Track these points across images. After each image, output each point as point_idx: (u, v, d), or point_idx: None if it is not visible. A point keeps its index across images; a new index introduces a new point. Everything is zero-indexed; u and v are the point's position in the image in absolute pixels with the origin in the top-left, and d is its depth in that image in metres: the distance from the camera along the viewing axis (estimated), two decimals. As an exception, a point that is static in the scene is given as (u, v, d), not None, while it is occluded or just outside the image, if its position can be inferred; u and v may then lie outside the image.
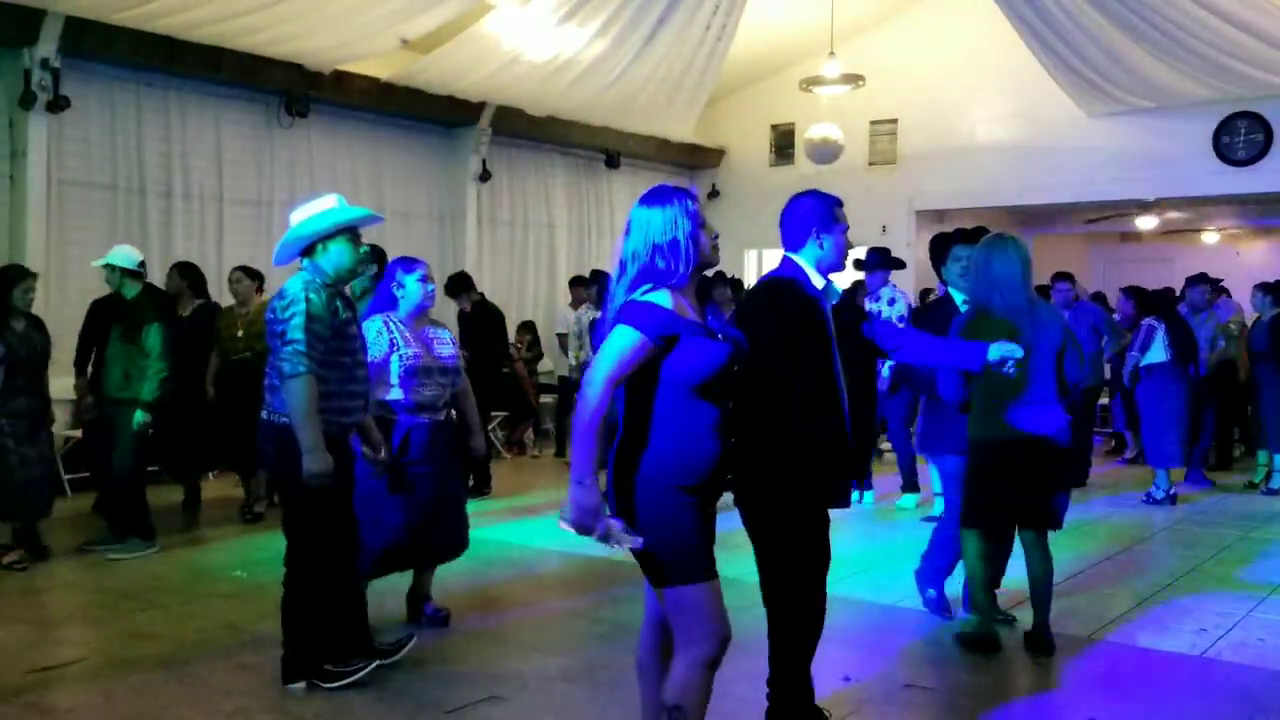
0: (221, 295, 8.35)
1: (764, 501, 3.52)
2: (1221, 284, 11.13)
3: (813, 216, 3.60)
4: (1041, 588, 4.70)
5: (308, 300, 3.99)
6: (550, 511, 7.90)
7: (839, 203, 3.68)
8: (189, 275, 7.63)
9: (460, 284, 9.11)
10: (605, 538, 2.88)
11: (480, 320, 8.96)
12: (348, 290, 4.43)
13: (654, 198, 3.03)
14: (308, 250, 4.17)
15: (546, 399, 11.81)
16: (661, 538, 2.91)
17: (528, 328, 11.54)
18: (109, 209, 9.10)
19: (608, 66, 11.11)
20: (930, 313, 5.70)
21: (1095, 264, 16.61)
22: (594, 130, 12.83)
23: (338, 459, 4.06)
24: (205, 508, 7.72)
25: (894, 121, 13.40)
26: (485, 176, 11.94)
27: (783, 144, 14.32)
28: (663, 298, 2.93)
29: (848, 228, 3.67)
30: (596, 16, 10.23)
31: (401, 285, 4.86)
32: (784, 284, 3.57)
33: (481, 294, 9.35)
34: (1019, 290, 4.50)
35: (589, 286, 10.13)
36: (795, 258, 3.63)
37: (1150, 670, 4.66)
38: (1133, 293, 9.83)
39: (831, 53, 11.12)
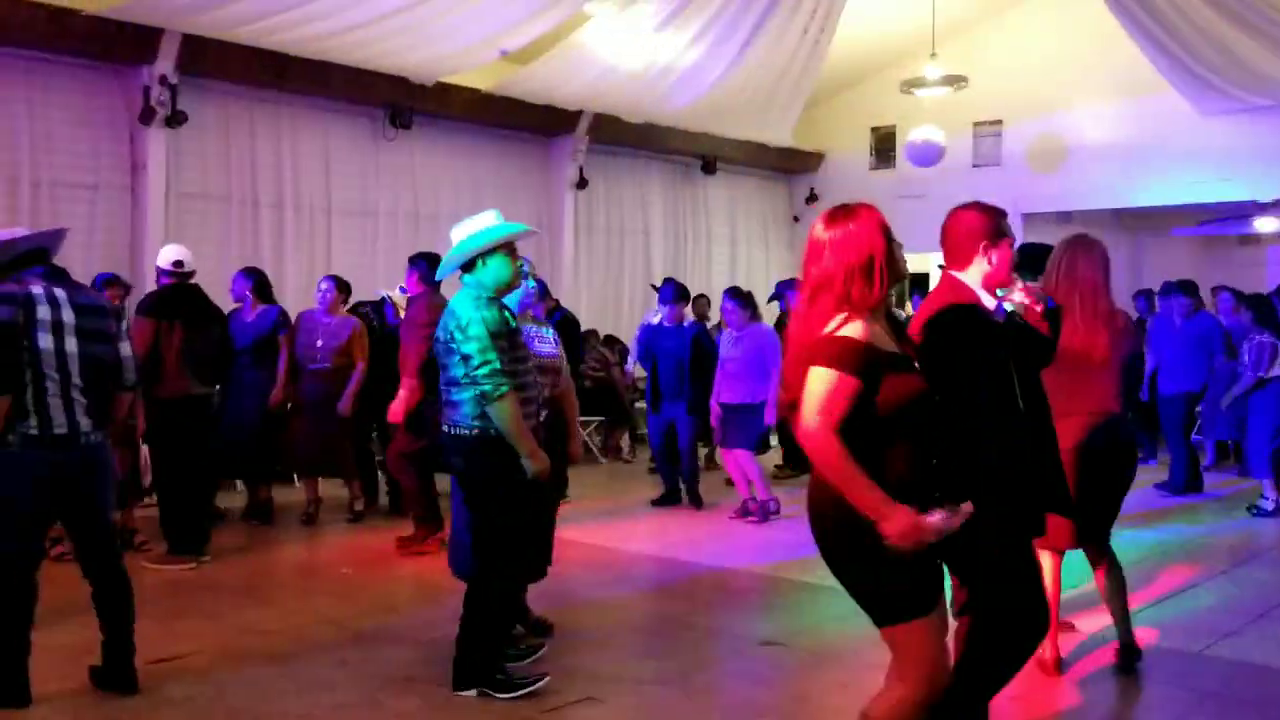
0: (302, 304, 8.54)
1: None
2: None
3: (979, 230, 3.35)
4: (1120, 597, 4.51)
5: (483, 320, 4.07)
6: (642, 511, 7.96)
7: (1004, 214, 3.44)
8: (253, 279, 7.45)
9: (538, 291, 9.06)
10: (941, 534, 2.73)
11: (557, 327, 8.80)
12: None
13: (844, 216, 2.89)
14: (468, 265, 4.24)
15: (641, 405, 11.85)
16: (872, 576, 2.81)
17: (613, 341, 11.55)
18: (223, 220, 9.45)
19: (704, 72, 11.13)
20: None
21: (1209, 268, 16.01)
22: (690, 136, 12.87)
23: (514, 467, 4.12)
24: (290, 509, 7.86)
25: (998, 122, 13.17)
26: (582, 184, 12.06)
27: (883, 147, 14.17)
28: (857, 329, 2.76)
29: (1014, 240, 3.44)
30: (692, 23, 10.26)
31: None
32: (967, 313, 3.30)
33: (557, 300, 9.26)
34: (1101, 295, 4.35)
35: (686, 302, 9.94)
36: (960, 276, 3.38)
37: (1271, 687, 4.49)
38: (1251, 302, 9.35)
39: (933, 54, 10.97)
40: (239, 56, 8.98)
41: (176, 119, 8.79)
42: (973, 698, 3.34)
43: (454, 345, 4.11)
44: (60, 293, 4.04)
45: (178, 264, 6.45)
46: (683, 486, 8.25)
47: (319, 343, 7.37)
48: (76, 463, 4.00)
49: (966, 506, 2.78)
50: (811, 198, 14.75)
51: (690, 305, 8.80)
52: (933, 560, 2.85)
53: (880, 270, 2.81)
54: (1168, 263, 13.00)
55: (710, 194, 13.92)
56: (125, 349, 4.27)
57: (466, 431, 4.13)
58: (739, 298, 7.81)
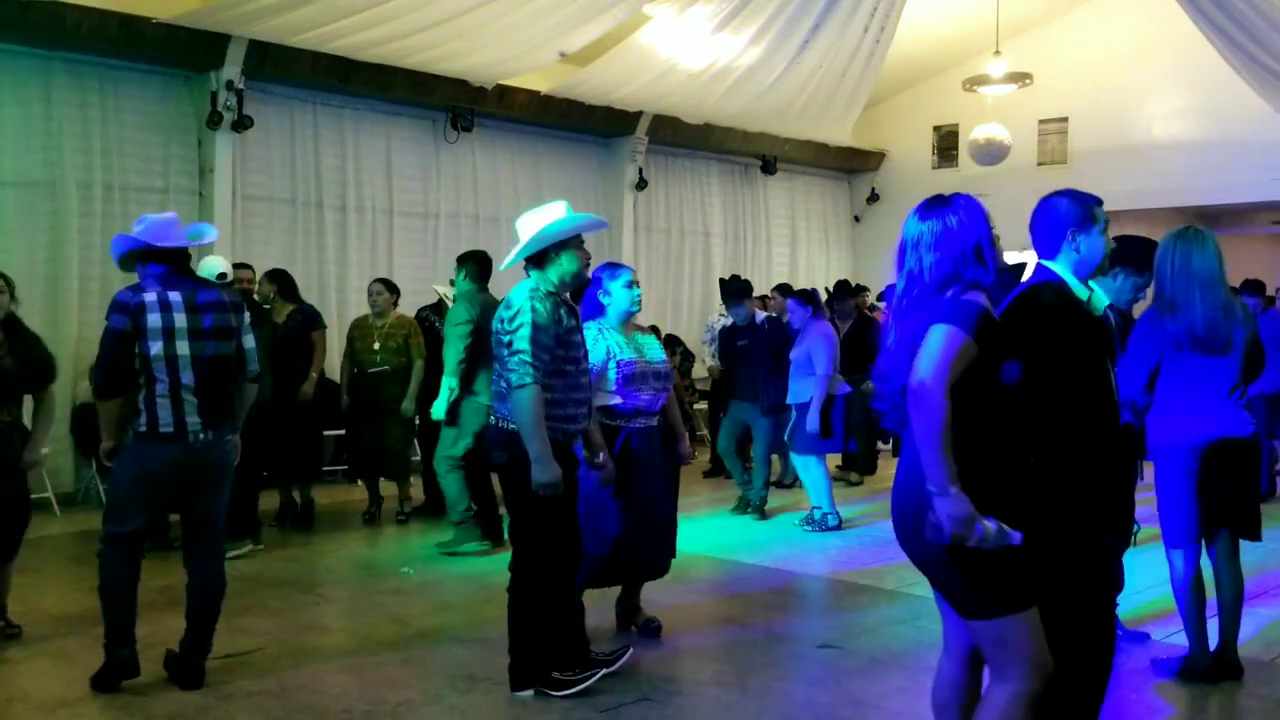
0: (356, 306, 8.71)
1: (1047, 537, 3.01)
2: None
3: (1066, 217, 3.19)
4: (1233, 603, 4.41)
5: (533, 310, 4.01)
6: (701, 510, 7.94)
7: (1097, 201, 3.26)
8: (278, 281, 7.47)
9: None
10: (983, 541, 2.66)
11: None
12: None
13: (942, 206, 2.86)
14: (535, 258, 4.18)
15: (700, 405, 11.84)
16: (976, 568, 2.72)
17: (674, 341, 11.55)
18: (289, 222, 9.61)
19: (763, 72, 11.08)
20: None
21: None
22: (750, 136, 12.83)
23: (563, 467, 4.09)
24: (335, 511, 7.97)
25: (1064, 120, 12.95)
26: (642, 185, 12.08)
27: (945, 145, 14.01)
28: (978, 296, 2.76)
29: (1107, 224, 3.25)
30: (752, 23, 10.22)
31: (608, 292, 4.85)
32: (1055, 290, 3.13)
33: None
34: (1219, 286, 4.22)
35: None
36: (1052, 266, 3.23)
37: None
38: None
39: (997, 51, 10.83)
40: (303, 62, 9.12)
41: (243, 123, 8.95)
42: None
43: (504, 337, 4.06)
44: (175, 296, 4.15)
45: (221, 276, 6.44)
46: (746, 489, 8.08)
47: (375, 345, 7.42)
48: (185, 460, 4.15)
49: (1016, 537, 2.68)
50: (873, 198, 14.62)
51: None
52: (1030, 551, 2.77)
53: (988, 253, 2.81)
54: (1241, 261, 12.67)
55: (770, 194, 13.85)
56: (249, 341, 4.36)
57: (513, 425, 4.07)
58: (798, 295, 7.81)
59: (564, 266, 4.16)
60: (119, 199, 8.62)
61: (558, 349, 4.09)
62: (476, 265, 6.75)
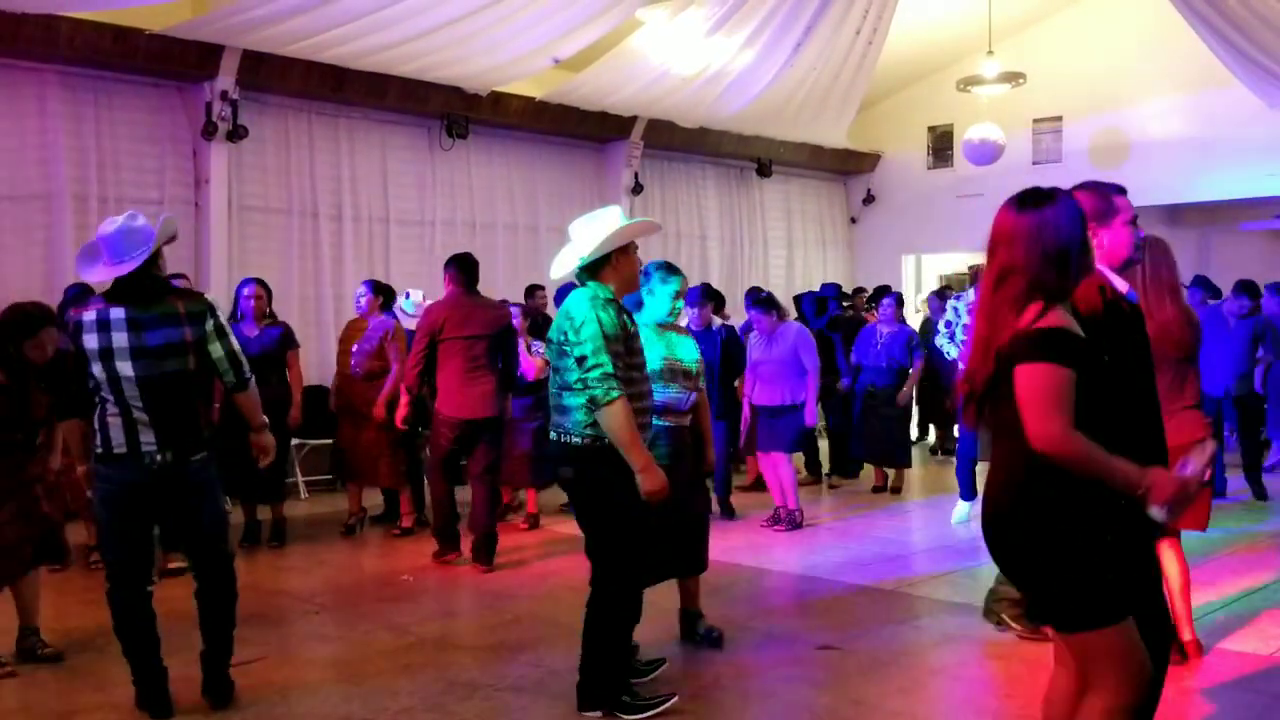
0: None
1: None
2: None
3: (1086, 212, 3.03)
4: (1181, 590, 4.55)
5: (599, 320, 3.89)
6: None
7: (1119, 190, 3.19)
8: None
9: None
10: (1200, 477, 2.60)
11: None
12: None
13: (1040, 201, 2.70)
14: (590, 265, 4.07)
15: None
16: (1094, 577, 2.60)
17: None
18: (285, 232, 9.62)
19: (757, 75, 11.10)
20: None
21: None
22: (745, 140, 12.85)
23: (628, 476, 3.94)
24: (334, 518, 7.95)
25: (1058, 119, 12.98)
26: (638, 189, 12.09)
27: (940, 146, 14.04)
28: (1059, 318, 2.62)
29: (1134, 216, 3.17)
30: (744, 26, 10.24)
31: (653, 291, 4.81)
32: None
33: None
34: (1180, 294, 4.35)
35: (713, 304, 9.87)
36: None
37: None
38: None
39: (990, 51, 10.84)
40: (297, 71, 9.13)
41: (238, 133, 8.96)
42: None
43: (568, 347, 3.93)
44: (117, 313, 3.87)
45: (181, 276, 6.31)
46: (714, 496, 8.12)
47: (354, 348, 7.37)
48: (144, 481, 3.92)
49: (1210, 446, 2.64)
50: (869, 199, 14.64)
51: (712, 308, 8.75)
52: (1148, 553, 2.68)
53: (1076, 261, 2.66)
54: (1237, 258, 12.68)
55: (766, 197, 13.87)
56: (217, 350, 4.01)
57: (578, 439, 3.95)
58: (760, 304, 7.81)
59: (621, 272, 4.09)
60: (115, 211, 8.55)
61: (625, 355, 3.99)
62: (460, 268, 6.68)
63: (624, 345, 3.97)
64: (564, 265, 4.16)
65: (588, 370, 3.86)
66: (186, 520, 4.07)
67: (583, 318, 3.90)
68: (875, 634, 5.15)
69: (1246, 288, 8.81)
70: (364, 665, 4.71)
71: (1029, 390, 2.56)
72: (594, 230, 4.07)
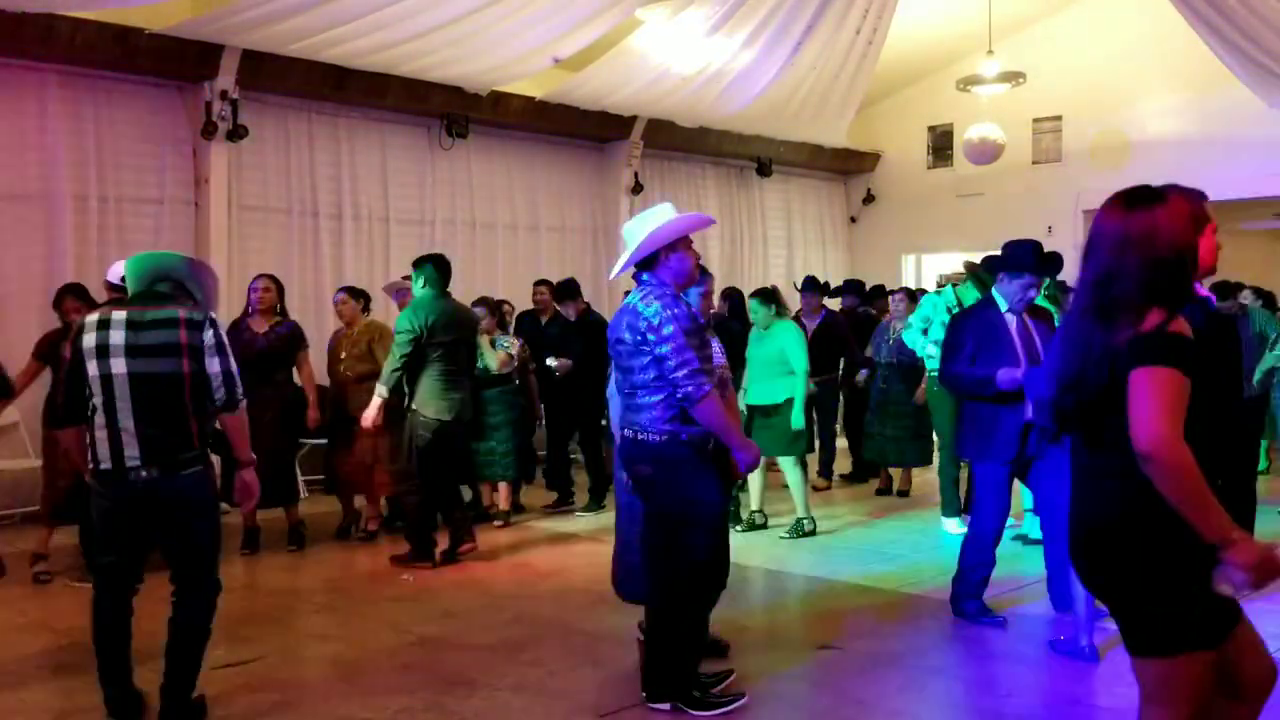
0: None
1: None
2: None
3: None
4: None
5: (674, 317, 3.91)
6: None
7: (1200, 195, 3.02)
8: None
9: (567, 291, 8.72)
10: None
11: (584, 329, 8.55)
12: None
13: (1149, 202, 2.54)
14: (646, 262, 4.09)
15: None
16: (1182, 600, 2.48)
17: None
18: (284, 231, 9.61)
19: (757, 75, 11.09)
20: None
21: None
22: (745, 139, 12.84)
23: (718, 465, 3.99)
24: (335, 520, 7.95)
25: (1058, 118, 12.96)
26: (638, 189, 12.09)
27: (940, 145, 14.03)
28: (1179, 324, 2.49)
29: (1212, 225, 3.05)
30: (744, 26, 10.23)
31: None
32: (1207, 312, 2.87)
33: (588, 303, 8.97)
34: None
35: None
36: None
37: None
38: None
39: (990, 51, 10.84)
40: (297, 71, 9.12)
41: (238, 133, 8.95)
42: None
43: (646, 347, 3.92)
44: (118, 315, 3.86)
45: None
46: None
47: (342, 354, 7.33)
48: (130, 497, 3.81)
49: None
50: (869, 198, 14.64)
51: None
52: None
53: (1189, 265, 2.52)
54: (1237, 258, 12.67)
55: (766, 197, 13.87)
56: (215, 365, 3.88)
57: (656, 437, 3.96)
58: (757, 295, 7.59)
59: (676, 266, 4.09)
60: (114, 211, 8.63)
61: (700, 349, 4.01)
62: (435, 269, 6.63)
63: (698, 338, 4.01)
64: (619, 266, 4.21)
65: (675, 369, 3.87)
66: (174, 536, 3.92)
67: (657, 316, 3.91)
68: (875, 634, 5.15)
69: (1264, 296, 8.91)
70: (364, 665, 4.71)
71: (1147, 393, 2.41)
72: (642, 228, 4.10)
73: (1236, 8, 9.81)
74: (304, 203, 9.74)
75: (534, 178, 11.45)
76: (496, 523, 7.72)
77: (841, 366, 9.45)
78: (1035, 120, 13.01)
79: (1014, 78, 10.96)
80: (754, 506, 7.61)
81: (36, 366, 6.30)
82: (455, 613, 5.62)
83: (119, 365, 3.79)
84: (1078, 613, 4.71)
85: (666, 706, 4.08)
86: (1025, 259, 5.10)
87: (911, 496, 8.89)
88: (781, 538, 7.30)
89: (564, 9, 9.06)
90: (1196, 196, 3.01)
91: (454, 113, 10.42)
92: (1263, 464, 9.22)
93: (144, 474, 3.77)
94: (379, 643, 5.05)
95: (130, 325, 3.83)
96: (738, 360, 7.30)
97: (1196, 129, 11.94)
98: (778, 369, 7.31)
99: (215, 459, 6.43)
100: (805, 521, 7.35)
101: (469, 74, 9.91)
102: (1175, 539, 2.45)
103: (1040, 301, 5.84)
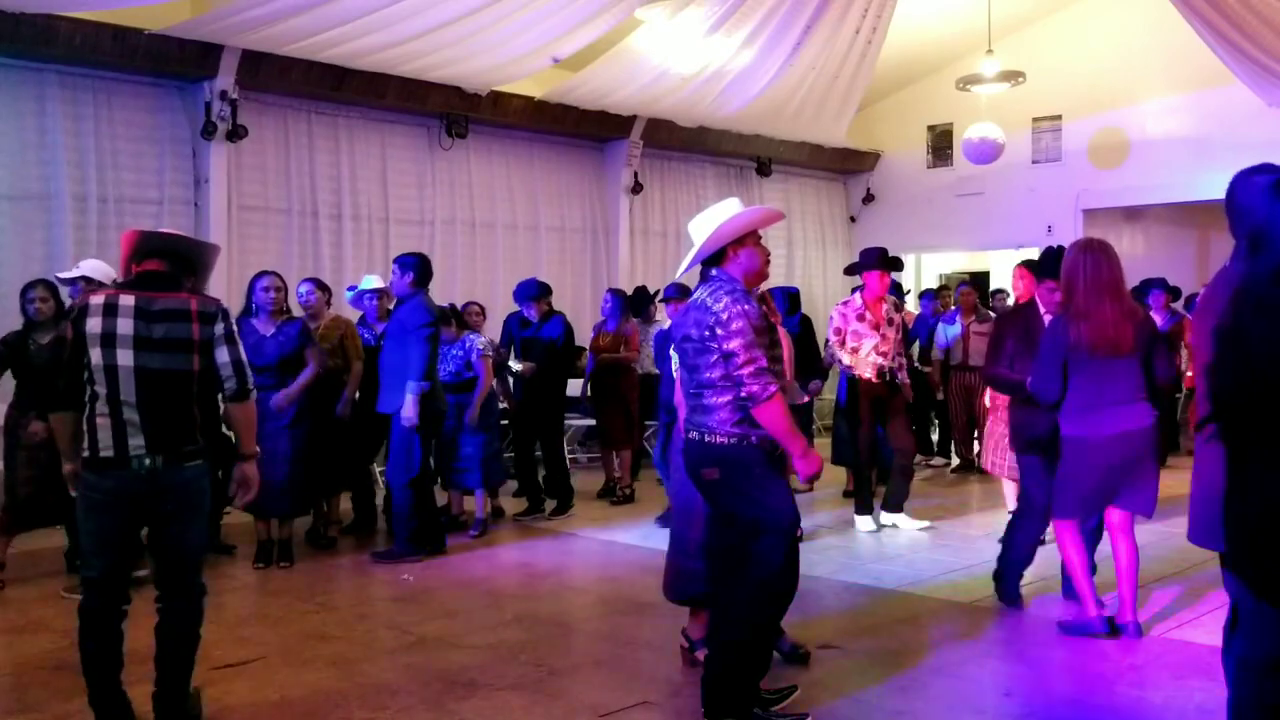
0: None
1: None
2: None
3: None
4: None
5: (745, 314, 3.77)
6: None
7: None
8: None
9: (541, 291, 8.44)
10: None
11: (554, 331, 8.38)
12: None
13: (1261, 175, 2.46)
14: (715, 258, 3.98)
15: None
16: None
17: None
18: (284, 231, 9.62)
19: (757, 74, 11.10)
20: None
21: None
22: (745, 139, 12.84)
23: (774, 476, 3.86)
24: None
25: (1058, 118, 12.96)
26: (637, 189, 12.09)
27: (940, 145, 14.03)
28: None
29: None
30: (743, 25, 10.23)
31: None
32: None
33: (550, 304, 8.57)
34: (1124, 293, 4.70)
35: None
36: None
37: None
38: None
39: (989, 50, 10.83)
40: (297, 71, 9.13)
41: (237, 133, 8.96)
42: None
43: (713, 343, 3.77)
44: (126, 300, 3.67)
45: (86, 279, 5.93)
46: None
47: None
48: (130, 489, 3.65)
49: None
50: (868, 198, 14.64)
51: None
52: None
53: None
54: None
55: (766, 196, 13.85)
56: (223, 355, 3.79)
57: (724, 439, 3.79)
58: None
59: (745, 261, 3.96)
60: (114, 211, 8.63)
61: (769, 348, 3.87)
62: (428, 266, 6.64)
63: (767, 337, 3.86)
64: (686, 262, 4.13)
65: (741, 367, 3.71)
66: (168, 532, 3.77)
67: (727, 313, 3.76)
68: (875, 634, 5.15)
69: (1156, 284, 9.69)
70: (364, 664, 4.71)
71: None
72: (709, 224, 4.01)
73: (1236, 8, 9.81)
74: (303, 203, 9.74)
75: (533, 177, 11.45)
76: (472, 532, 7.40)
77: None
78: (1035, 120, 13.01)
79: (1014, 77, 10.96)
80: None
81: None
82: (456, 613, 5.61)
83: (126, 358, 3.63)
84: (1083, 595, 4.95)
85: None
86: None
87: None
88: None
89: (564, 9, 9.06)
90: None
91: (453, 113, 10.42)
92: None
93: (148, 463, 3.63)
94: (379, 642, 5.04)
95: (139, 314, 3.67)
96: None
97: (1196, 129, 11.94)
98: None
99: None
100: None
101: (468, 74, 9.92)
102: (1252, 532, 2.40)
103: None
